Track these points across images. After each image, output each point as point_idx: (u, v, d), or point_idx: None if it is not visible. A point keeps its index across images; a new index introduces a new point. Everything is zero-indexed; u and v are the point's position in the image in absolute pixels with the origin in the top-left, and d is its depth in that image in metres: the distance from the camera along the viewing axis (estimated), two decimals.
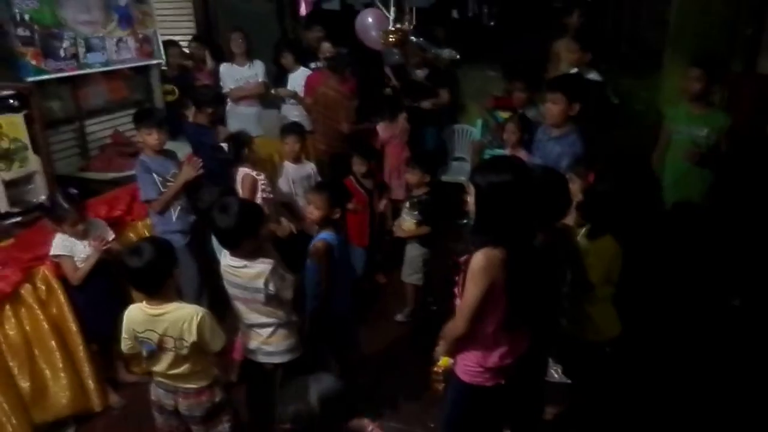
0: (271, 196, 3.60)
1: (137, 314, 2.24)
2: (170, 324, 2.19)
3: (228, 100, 5.04)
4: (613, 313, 2.53)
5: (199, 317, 2.19)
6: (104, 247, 2.93)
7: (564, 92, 2.96)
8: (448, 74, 5.48)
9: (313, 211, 2.71)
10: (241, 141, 3.57)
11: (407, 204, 3.71)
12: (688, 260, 3.54)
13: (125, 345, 2.32)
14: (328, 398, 1.60)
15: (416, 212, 3.65)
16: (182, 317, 2.19)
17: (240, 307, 2.48)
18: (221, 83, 5.04)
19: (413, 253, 3.73)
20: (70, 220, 2.85)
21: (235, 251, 2.39)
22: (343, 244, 2.80)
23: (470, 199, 1.97)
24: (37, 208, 3.25)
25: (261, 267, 2.36)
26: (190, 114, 4.79)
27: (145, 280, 2.20)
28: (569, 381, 2.69)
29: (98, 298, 2.98)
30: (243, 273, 2.38)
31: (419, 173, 3.66)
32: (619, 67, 4.94)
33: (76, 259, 2.91)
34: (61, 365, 2.91)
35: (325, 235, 2.67)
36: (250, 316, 2.48)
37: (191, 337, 2.18)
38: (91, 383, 3.04)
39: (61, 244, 2.89)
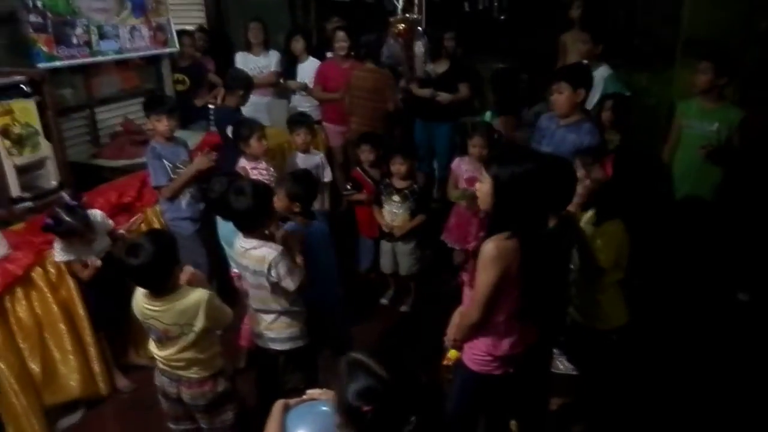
0: None
1: (141, 301, 2.21)
2: (176, 314, 2.16)
3: None
4: (621, 301, 2.52)
5: (206, 302, 2.17)
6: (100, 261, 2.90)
7: (567, 80, 2.97)
8: (469, 67, 5.29)
9: (276, 201, 2.68)
10: (239, 132, 3.55)
11: (395, 198, 3.67)
12: (696, 253, 3.53)
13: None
14: (393, 362, 1.43)
15: (408, 203, 3.64)
16: (189, 306, 2.16)
17: (249, 290, 2.51)
18: None
19: (408, 246, 3.72)
20: (78, 232, 2.80)
21: (251, 233, 2.41)
22: (322, 235, 2.76)
23: (483, 189, 1.94)
24: (48, 194, 3.28)
25: (266, 251, 2.37)
26: (203, 101, 4.83)
27: (146, 280, 2.15)
28: (575, 372, 2.69)
29: (103, 286, 2.96)
30: (251, 255, 2.40)
31: (408, 163, 3.65)
32: (632, 60, 4.91)
33: (83, 257, 2.90)
34: (70, 348, 2.94)
35: (287, 225, 2.66)
36: (256, 300, 2.51)
37: (200, 323, 2.16)
38: (96, 367, 3.06)
39: (64, 250, 2.86)
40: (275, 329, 2.52)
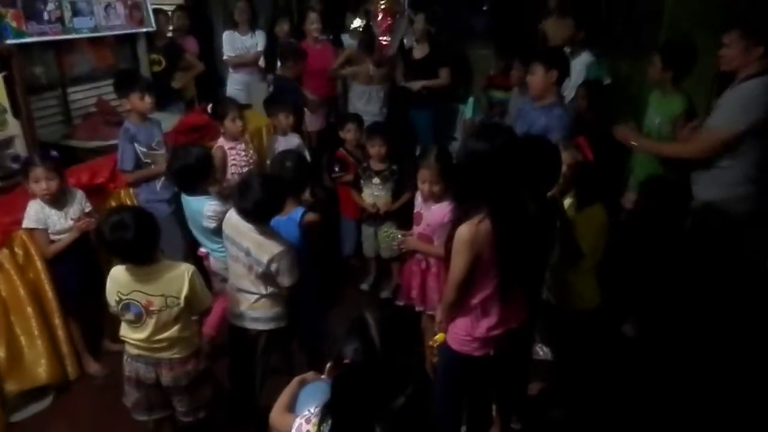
0: (246, 168, 3.49)
1: (122, 275, 2.20)
2: (163, 283, 2.18)
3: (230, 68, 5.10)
4: (594, 284, 2.54)
5: (190, 273, 2.21)
6: (83, 226, 2.84)
7: (539, 61, 3.04)
8: (452, 52, 5.22)
9: None
10: (216, 110, 3.48)
11: (375, 180, 3.61)
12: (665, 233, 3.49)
13: (111, 309, 2.28)
14: (390, 333, 1.52)
15: (390, 183, 3.59)
16: (175, 275, 2.20)
17: (236, 269, 2.47)
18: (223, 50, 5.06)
19: (391, 228, 3.61)
20: (34, 174, 2.73)
21: (258, 223, 2.39)
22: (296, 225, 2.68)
23: None
24: (17, 174, 3.17)
25: (272, 243, 2.36)
26: (180, 82, 4.73)
27: (136, 254, 2.16)
28: (553, 358, 2.69)
29: (72, 270, 2.91)
30: (254, 238, 2.37)
31: (387, 145, 3.58)
32: (613, 49, 4.89)
33: (50, 231, 2.82)
34: (37, 333, 2.86)
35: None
36: (242, 280, 2.46)
37: (184, 291, 2.18)
38: (65, 350, 2.99)
39: (34, 216, 2.79)
40: (259, 309, 2.49)
